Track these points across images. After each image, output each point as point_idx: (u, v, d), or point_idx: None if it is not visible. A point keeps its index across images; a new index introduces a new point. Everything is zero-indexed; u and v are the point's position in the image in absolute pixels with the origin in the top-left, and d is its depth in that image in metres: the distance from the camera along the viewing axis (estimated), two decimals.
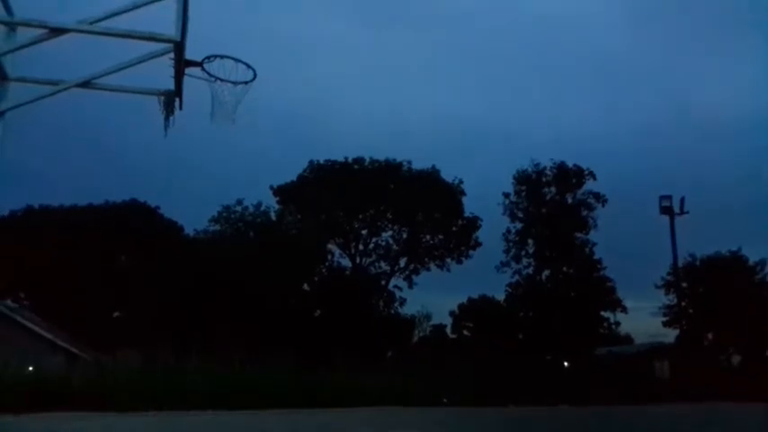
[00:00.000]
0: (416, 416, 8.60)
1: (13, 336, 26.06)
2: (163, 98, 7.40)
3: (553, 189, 46.21)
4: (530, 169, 46.06)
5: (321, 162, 47.28)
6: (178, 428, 6.61)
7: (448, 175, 47.43)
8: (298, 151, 74.87)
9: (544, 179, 46.15)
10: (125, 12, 6.99)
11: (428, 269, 47.79)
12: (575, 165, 45.87)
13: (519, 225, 45.96)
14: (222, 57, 7.42)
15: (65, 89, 6.99)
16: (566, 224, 44.87)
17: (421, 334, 52.02)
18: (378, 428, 5.95)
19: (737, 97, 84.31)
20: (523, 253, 45.75)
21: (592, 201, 45.68)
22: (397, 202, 46.12)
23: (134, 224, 42.47)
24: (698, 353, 40.54)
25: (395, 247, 47.63)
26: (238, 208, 45.64)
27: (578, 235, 45.48)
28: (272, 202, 46.62)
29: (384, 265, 47.79)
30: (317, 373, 13.77)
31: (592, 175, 45.73)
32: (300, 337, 35.03)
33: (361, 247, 47.51)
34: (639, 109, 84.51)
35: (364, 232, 47.65)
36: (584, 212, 45.60)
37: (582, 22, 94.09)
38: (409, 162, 47.39)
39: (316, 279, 46.46)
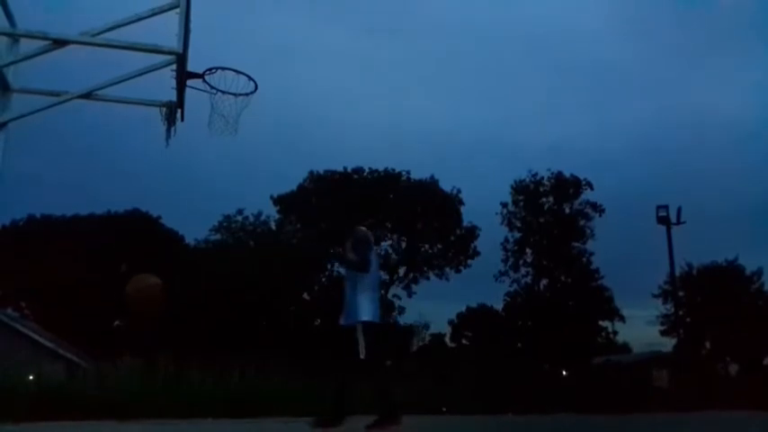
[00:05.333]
0: (416, 424, 8.68)
1: (13, 344, 26.11)
2: (164, 109, 7.45)
3: (551, 199, 46.38)
4: (527, 179, 46.33)
5: (321, 172, 47.45)
6: None
7: (446, 185, 47.60)
8: (298, 161, 75.04)
9: (542, 189, 46.33)
10: (127, 24, 7.05)
11: (427, 278, 47.81)
12: (572, 175, 46.13)
13: (517, 234, 46.14)
14: (223, 69, 7.49)
15: (67, 100, 7.04)
16: (563, 234, 45.00)
17: (420, 343, 52.05)
18: None
19: (734, 108, 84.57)
20: (521, 262, 45.92)
21: (589, 211, 45.92)
22: (396, 211, 46.19)
23: (135, 234, 42.57)
24: (696, 361, 40.57)
25: (394, 256, 47.66)
26: (239, 218, 45.93)
27: (576, 244, 45.64)
28: (272, 212, 46.85)
29: (383, 275, 47.84)
30: (316, 381, 13.84)
31: (589, 185, 45.97)
32: (300, 345, 35.06)
33: None
34: (636, 120, 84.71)
35: None
36: (582, 222, 45.77)
37: (579, 35, 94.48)
38: (408, 172, 47.60)
39: (316, 288, 46.50)
